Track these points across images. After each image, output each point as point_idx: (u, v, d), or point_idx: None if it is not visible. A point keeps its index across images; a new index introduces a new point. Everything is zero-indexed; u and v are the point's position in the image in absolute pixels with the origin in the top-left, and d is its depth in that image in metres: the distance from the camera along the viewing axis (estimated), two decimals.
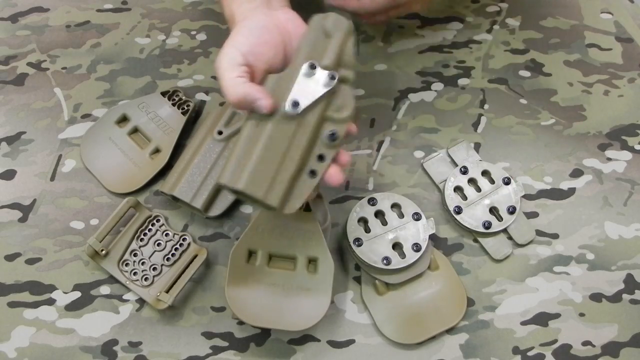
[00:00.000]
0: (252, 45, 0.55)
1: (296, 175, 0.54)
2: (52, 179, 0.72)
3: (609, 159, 0.74)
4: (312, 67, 0.55)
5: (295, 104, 0.54)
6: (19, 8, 0.83)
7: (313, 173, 0.55)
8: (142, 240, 0.67)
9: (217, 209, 0.68)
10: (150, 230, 0.68)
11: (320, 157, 0.55)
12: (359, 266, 0.67)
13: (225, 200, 0.69)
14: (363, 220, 0.67)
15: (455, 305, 0.65)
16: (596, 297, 0.67)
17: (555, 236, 0.70)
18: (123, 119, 0.74)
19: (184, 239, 0.67)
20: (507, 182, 0.70)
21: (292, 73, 0.55)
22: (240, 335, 0.65)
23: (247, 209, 0.71)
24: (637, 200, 0.72)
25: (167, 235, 0.68)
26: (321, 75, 0.55)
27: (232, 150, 0.54)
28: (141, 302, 0.66)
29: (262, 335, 0.65)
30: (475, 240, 0.69)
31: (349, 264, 0.68)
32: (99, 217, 0.70)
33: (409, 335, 0.64)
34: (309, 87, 0.55)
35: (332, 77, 0.55)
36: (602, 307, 0.67)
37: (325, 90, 0.55)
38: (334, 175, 0.55)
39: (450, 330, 0.65)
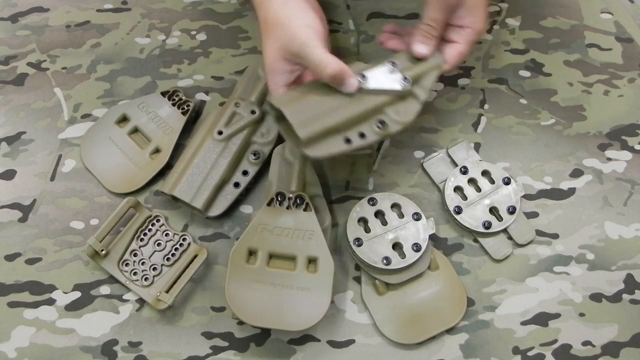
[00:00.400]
0: (317, 24, 0.59)
1: (335, 130, 0.59)
2: (52, 179, 0.72)
3: (609, 159, 0.74)
4: (394, 65, 0.61)
5: (364, 77, 0.59)
6: (19, 8, 0.83)
7: (349, 141, 0.59)
8: (142, 240, 0.67)
9: (217, 209, 0.68)
10: (150, 230, 0.68)
11: (362, 135, 0.59)
12: (359, 266, 0.67)
13: (225, 200, 0.69)
14: (363, 220, 0.67)
15: (455, 305, 0.65)
16: (596, 297, 0.67)
17: (555, 236, 0.70)
18: (123, 119, 0.74)
19: (184, 239, 0.67)
20: (507, 182, 0.70)
21: (376, 63, 0.62)
22: (240, 335, 0.65)
23: (247, 209, 0.71)
24: (637, 200, 0.72)
25: (167, 235, 0.68)
26: (398, 75, 0.61)
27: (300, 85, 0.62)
28: (141, 302, 0.66)
29: (262, 335, 0.65)
30: (475, 240, 0.69)
31: (349, 264, 0.68)
32: (99, 217, 0.70)
33: (409, 335, 0.64)
34: (383, 76, 0.61)
35: (406, 80, 0.61)
36: (602, 307, 0.67)
37: (396, 87, 0.60)
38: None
39: (450, 330, 0.65)
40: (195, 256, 0.66)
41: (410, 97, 0.62)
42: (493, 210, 0.69)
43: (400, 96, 0.61)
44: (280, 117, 0.59)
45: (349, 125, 0.59)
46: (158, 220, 0.68)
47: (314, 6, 0.61)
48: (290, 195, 0.65)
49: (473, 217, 0.68)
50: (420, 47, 0.62)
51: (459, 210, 0.69)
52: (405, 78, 0.61)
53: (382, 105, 0.60)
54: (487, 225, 0.68)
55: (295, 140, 0.59)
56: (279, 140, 0.71)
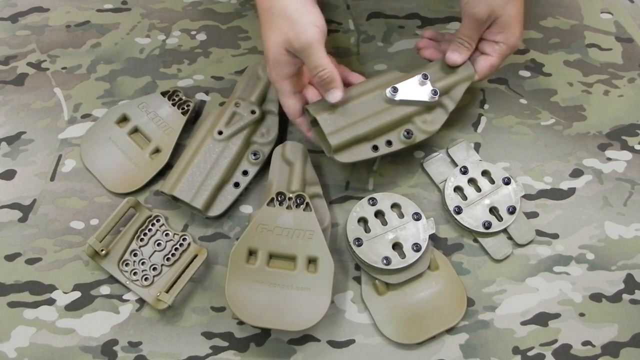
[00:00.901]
0: (323, 23, 0.60)
1: (363, 138, 0.63)
2: (52, 179, 0.72)
3: (609, 159, 0.74)
4: (425, 77, 0.64)
5: (395, 89, 0.64)
6: (19, 8, 0.84)
7: (376, 148, 0.63)
8: (142, 240, 0.67)
9: (217, 209, 0.68)
10: (150, 230, 0.68)
11: (389, 143, 0.64)
12: (359, 266, 0.67)
13: (225, 200, 0.69)
14: (363, 220, 0.67)
15: (455, 305, 0.65)
16: (596, 297, 0.67)
17: (555, 236, 0.70)
18: (123, 119, 0.74)
19: (184, 239, 0.67)
20: (507, 182, 0.70)
21: (409, 74, 0.65)
22: (240, 335, 0.65)
23: (247, 209, 0.71)
24: (637, 200, 0.72)
25: (167, 235, 0.68)
26: (428, 87, 0.64)
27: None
28: (141, 302, 0.66)
29: (262, 335, 0.65)
30: (475, 240, 0.69)
31: (349, 264, 0.68)
32: (99, 217, 0.70)
33: (409, 335, 0.64)
34: (413, 88, 0.64)
35: (435, 93, 0.64)
36: (602, 307, 0.67)
37: (424, 99, 0.64)
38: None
39: (450, 330, 0.65)
40: (195, 256, 0.66)
41: (439, 107, 0.65)
42: (493, 210, 0.69)
43: (428, 106, 0.64)
44: (315, 122, 0.63)
45: (378, 133, 0.63)
46: (158, 220, 0.68)
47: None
48: (291, 195, 0.65)
49: (473, 217, 0.68)
50: (454, 56, 0.66)
51: (459, 210, 0.69)
52: (434, 91, 0.64)
53: (411, 115, 0.64)
54: (487, 225, 0.68)
55: (326, 145, 0.63)
56: (279, 140, 0.71)
